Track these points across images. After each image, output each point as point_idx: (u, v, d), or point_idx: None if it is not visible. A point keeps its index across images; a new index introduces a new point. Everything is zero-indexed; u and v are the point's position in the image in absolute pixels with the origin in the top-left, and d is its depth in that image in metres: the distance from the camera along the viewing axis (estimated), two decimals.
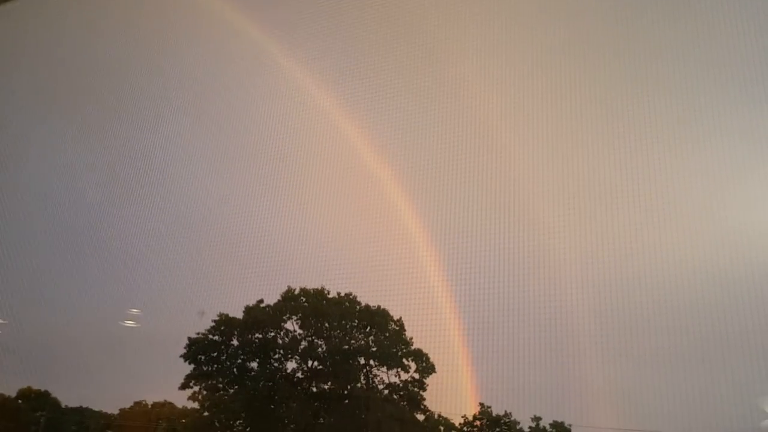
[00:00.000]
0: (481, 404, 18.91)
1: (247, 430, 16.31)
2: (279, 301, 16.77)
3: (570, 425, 18.09)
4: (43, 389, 21.74)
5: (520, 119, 16.18)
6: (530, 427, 18.44)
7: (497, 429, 18.80)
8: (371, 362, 16.79)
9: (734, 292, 13.36)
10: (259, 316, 16.34)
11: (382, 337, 16.92)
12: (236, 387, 16.26)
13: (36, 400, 21.70)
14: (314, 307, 16.66)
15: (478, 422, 18.93)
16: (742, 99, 14.04)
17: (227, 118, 18.19)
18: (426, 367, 17.15)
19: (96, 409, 21.95)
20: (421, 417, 17.14)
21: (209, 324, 16.46)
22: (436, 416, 17.82)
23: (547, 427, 18.37)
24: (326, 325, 16.79)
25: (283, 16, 16.92)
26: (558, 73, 15.61)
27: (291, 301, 16.83)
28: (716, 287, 13.63)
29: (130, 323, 15.36)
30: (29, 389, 21.79)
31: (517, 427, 18.66)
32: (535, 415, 18.12)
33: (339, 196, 19.10)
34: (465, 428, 18.83)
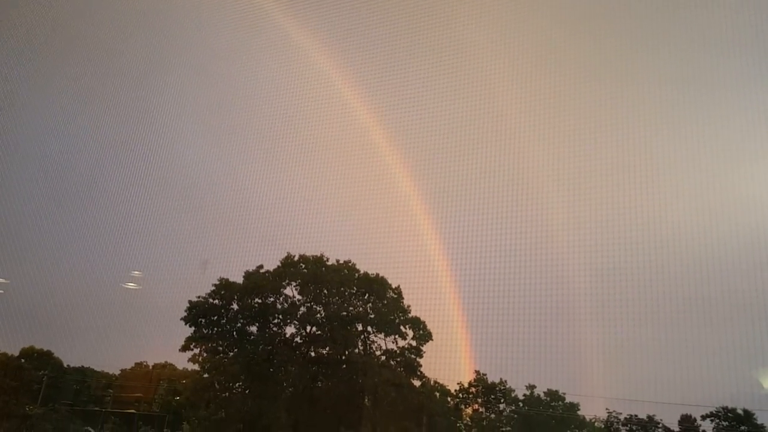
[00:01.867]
0: (477, 372, 19.03)
1: (246, 392, 16.78)
2: (278, 266, 17.01)
3: (564, 393, 18.09)
4: (45, 349, 22.57)
5: (520, 96, 15.72)
6: (524, 395, 18.49)
7: (492, 396, 18.91)
8: (369, 329, 16.97)
9: (733, 258, 12.94)
10: (258, 282, 16.64)
11: (380, 304, 17.05)
12: (236, 350, 16.67)
13: (38, 360, 22.26)
14: (313, 273, 16.86)
15: (473, 389, 19.04)
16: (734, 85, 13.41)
17: (231, 80, 18.32)
18: (423, 334, 17.25)
19: (98, 369, 23.08)
20: (417, 383, 17.36)
21: (212, 276, 16.82)
22: (432, 382, 18.00)
23: (542, 395, 18.36)
24: (325, 291, 16.99)
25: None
26: (561, 56, 15.17)
27: (290, 267, 17.05)
28: (714, 252, 13.19)
29: (131, 285, 15.98)
30: (32, 348, 22.57)
31: (512, 395, 18.74)
32: (529, 384, 18.16)
33: (339, 164, 19.12)
34: (460, 395, 19.00)
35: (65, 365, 22.61)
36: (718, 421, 16.28)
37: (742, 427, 15.97)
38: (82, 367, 22.74)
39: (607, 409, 17.21)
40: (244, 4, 17.62)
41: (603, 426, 17.41)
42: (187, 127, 17.64)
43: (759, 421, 15.57)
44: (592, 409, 17.94)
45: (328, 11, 16.89)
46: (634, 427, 17.08)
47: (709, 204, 14.05)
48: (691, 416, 16.67)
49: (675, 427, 16.81)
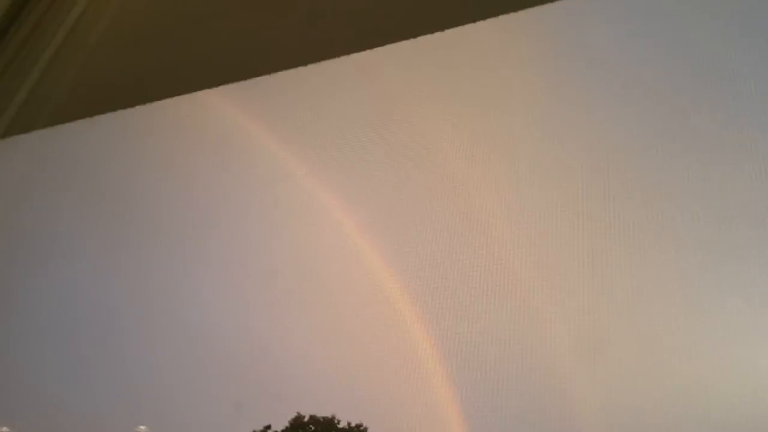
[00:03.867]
0: None
1: None
2: (287, 428, 16.44)
3: None
4: None
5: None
6: None
7: None
8: None
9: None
10: None
11: None
12: None
13: None
14: None
15: None
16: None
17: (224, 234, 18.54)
18: None
19: None
20: None
21: (246, 416, 16.35)
22: None
23: None
24: None
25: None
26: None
27: (299, 429, 16.45)
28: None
29: None
30: None
31: None
32: None
33: (348, 316, 18.69)
34: None
35: None
36: None
37: None
38: None
39: None
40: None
41: None
42: (191, 273, 17.89)
43: None
44: None
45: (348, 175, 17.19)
46: None
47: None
48: None
49: None
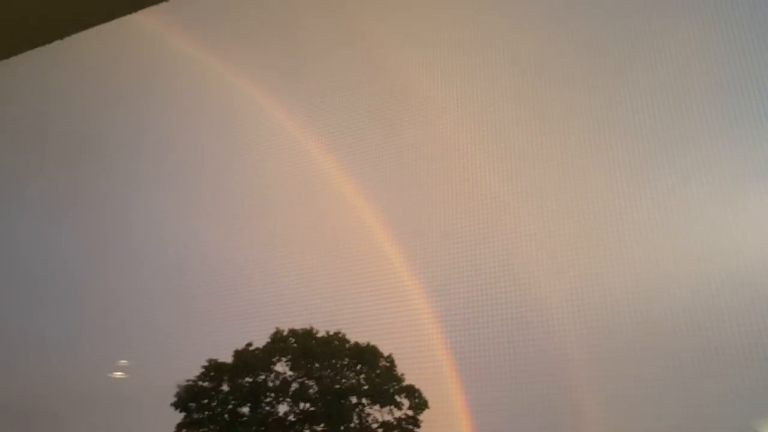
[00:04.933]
0: None
1: None
2: (268, 343, 16.64)
3: None
4: None
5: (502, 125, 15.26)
6: None
7: None
8: (363, 401, 16.40)
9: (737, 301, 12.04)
10: (248, 360, 16.29)
11: (373, 374, 16.46)
12: None
13: None
14: (303, 347, 16.43)
15: None
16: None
17: (208, 160, 18.23)
18: (419, 402, 16.56)
19: None
20: None
21: (201, 359, 16.51)
22: None
23: None
24: (316, 365, 16.54)
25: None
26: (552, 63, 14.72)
27: (280, 343, 16.69)
28: (712, 300, 12.30)
29: (119, 375, 15.61)
30: None
31: None
32: None
33: (323, 236, 18.70)
34: None
35: None
36: None
37: None
38: None
39: None
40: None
41: None
42: (165, 204, 17.66)
43: None
44: None
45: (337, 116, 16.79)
46: None
47: (709, 244, 13.14)
48: None
49: None
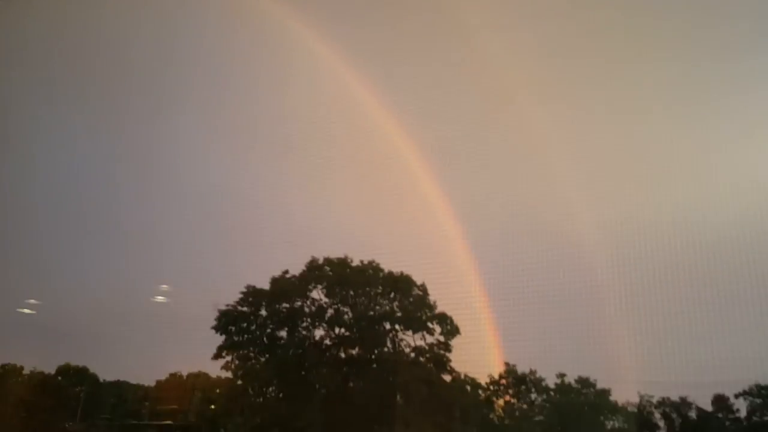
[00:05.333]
0: (506, 363, 18.66)
1: (280, 395, 17.19)
2: (304, 271, 17.20)
3: (595, 380, 17.58)
4: (81, 365, 22.82)
5: (532, 71, 15.18)
6: (555, 384, 18.07)
7: (523, 386, 18.59)
8: (396, 327, 17.00)
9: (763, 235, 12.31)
10: (285, 287, 16.89)
11: (406, 302, 17.01)
12: (267, 355, 17.04)
13: (75, 376, 22.66)
14: (339, 275, 16.96)
15: (503, 380, 18.74)
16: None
17: (243, 89, 18.42)
18: (450, 329, 17.14)
19: (133, 382, 24.06)
20: (447, 378, 17.30)
21: (239, 285, 17.10)
22: (462, 376, 17.86)
23: (572, 382, 17.88)
24: (351, 292, 17.08)
25: None
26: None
27: (315, 271, 17.21)
28: (745, 230, 12.56)
29: (160, 299, 16.50)
30: (68, 366, 22.73)
31: (543, 384, 18.34)
32: (559, 372, 17.72)
33: (358, 166, 18.96)
34: (491, 387, 18.74)
35: (101, 380, 23.27)
36: (751, 398, 15.74)
37: None
38: (118, 380, 23.52)
39: (639, 393, 16.75)
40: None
41: (636, 410, 16.94)
42: (204, 132, 17.92)
43: None
44: (624, 395, 17.52)
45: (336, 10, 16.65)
46: (667, 410, 16.61)
47: (742, 182, 13.29)
48: (724, 395, 16.15)
49: (708, 407, 16.31)
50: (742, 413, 16.17)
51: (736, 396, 16.08)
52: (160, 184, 17.23)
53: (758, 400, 15.88)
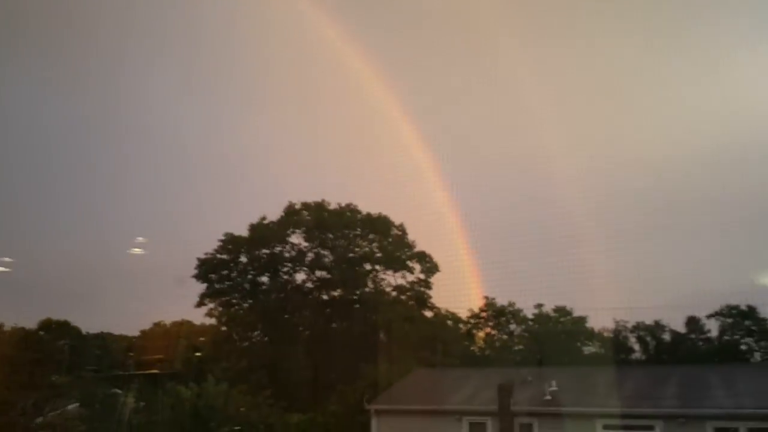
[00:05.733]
0: (486, 297, 19.03)
1: (265, 339, 17.43)
2: (281, 216, 17.23)
3: (571, 308, 18.06)
4: (62, 319, 23.01)
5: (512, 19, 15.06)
6: (533, 314, 18.53)
7: (502, 318, 19.02)
8: (377, 267, 17.22)
9: (734, 159, 12.56)
10: (264, 233, 16.92)
11: (385, 242, 17.19)
12: (250, 301, 17.18)
13: (57, 330, 22.54)
14: (317, 219, 17.02)
15: (484, 314, 19.12)
16: None
17: (218, 37, 18.06)
18: (430, 267, 17.41)
19: (117, 333, 23.94)
20: (429, 314, 17.64)
21: (216, 233, 17.07)
22: (443, 312, 18.22)
23: (550, 312, 18.34)
24: (330, 235, 17.19)
25: None
26: None
27: (293, 216, 17.25)
28: (716, 155, 12.80)
29: (137, 251, 16.41)
30: (49, 320, 23.10)
31: (521, 315, 18.78)
32: (537, 303, 18.13)
33: (330, 109, 18.78)
34: (471, 320, 19.13)
35: (84, 332, 23.11)
36: (722, 319, 16.25)
37: (746, 322, 15.94)
38: (101, 333, 23.47)
39: (614, 319, 17.23)
40: None
41: (611, 335, 17.46)
42: (175, 78, 17.62)
43: (761, 315, 15.55)
44: (600, 321, 18.04)
45: None
46: (641, 333, 17.13)
47: (703, 111, 13.52)
48: (696, 317, 16.67)
49: (681, 329, 16.85)
50: (714, 333, 16.69)
51: (708, 317, 16.56)
52: (132, 136, 16.97)
53: (729, 320, 16.38)
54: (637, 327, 17.11)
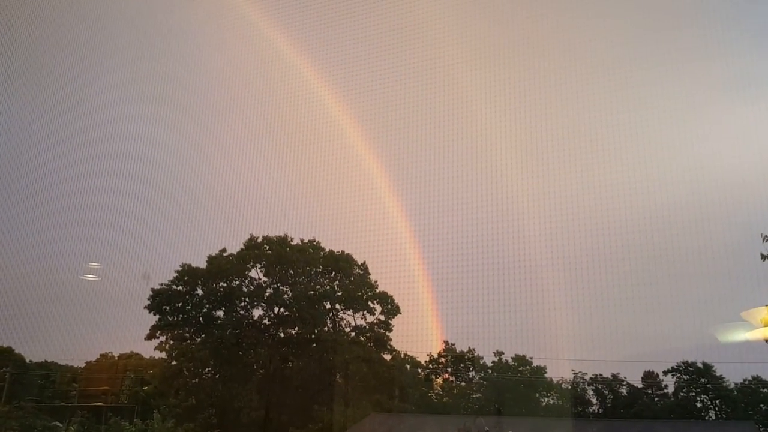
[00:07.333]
0: (446, 342, 18.91)
1: (217, 376, 16.83)
2: (242, 249, 16.85)
3: (531, 358, 18.00)
4: (5, 345, 21.42)
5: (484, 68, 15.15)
6: (493, 362, 18.42)
7: (461, 365, 18.87)
8: (337, 306, 16.89)
9: (691, 217, 12.65)
10: (222, 265, 16.49)
11: (347, 281, 16.90)
12: (203, 335, 16.58)
13: None
14: (278, 254, 16.68)
15: (443, 359, 18.97)
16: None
17: (175, 52, 17.80)
18: (391, 308, 17.13)
19: (62, 363, 22.95)
20: (387, 357, 17.34)
21: (174, 264, 16.63)
22: (402, 355, 17.96)
23: (509, 360, 18.26)
24: (291, 271, 16.84)
25: None
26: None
27: (254, 249, 16.89)
28: (673, 214, 12.88)
29: (90, 277, 15.82)
30: None
31: (481, 362, 18.68)
32: (497, 350, 18.04)
33: (300, 144, 18.64)
34: (431, 365, 18.95)
35: (27, 361, 22.24)
36: (679, 375, 16.44)
37: (702, 380, 16.12)
38: (46, 362, 22.47)
39: (573, 370, 17.25)
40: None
41: (569, 387, 17.42)
42: (140, 104, 17.27)
43: (717, 373, 15.79)
44: (558, 372, 18.02)
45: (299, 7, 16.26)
46: (599, 386, 17.15)
47: (660, 171, 13.68)
48: (653, 372, 16.86)
49: (638, 383, 16.97)
50: (670, 389, 16.80)
51: (665, 373, 16.71)
52: (87, 155, 16.52)
53: (685, 377, 16.50)
54: (595, 380, 17.12)
